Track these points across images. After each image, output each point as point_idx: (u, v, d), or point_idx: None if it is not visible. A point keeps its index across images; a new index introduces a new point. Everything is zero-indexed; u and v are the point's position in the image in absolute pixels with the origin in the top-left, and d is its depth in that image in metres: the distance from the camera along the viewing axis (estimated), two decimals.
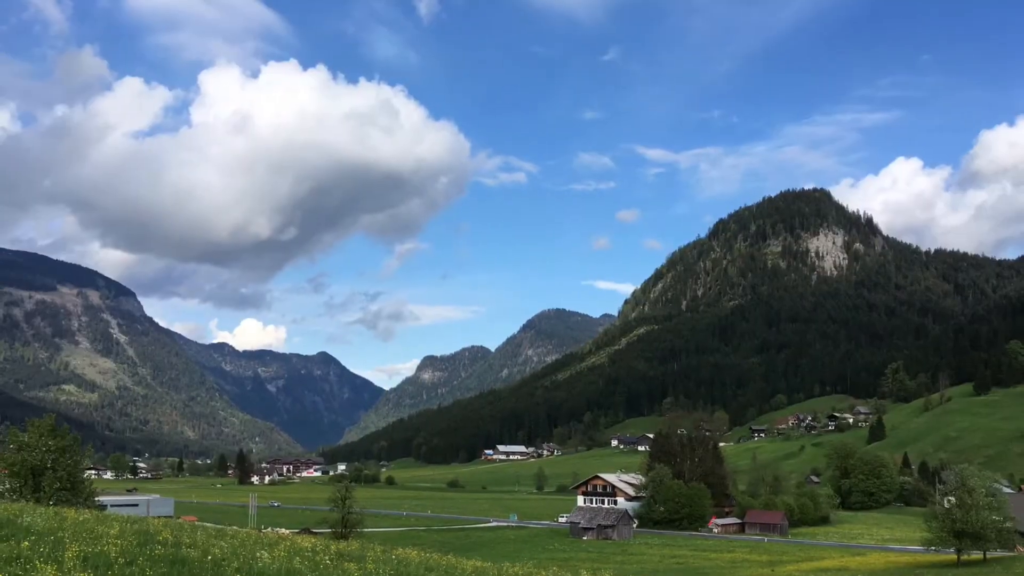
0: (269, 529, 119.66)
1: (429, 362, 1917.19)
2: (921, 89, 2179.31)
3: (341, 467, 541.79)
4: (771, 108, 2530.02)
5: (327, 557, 29.95)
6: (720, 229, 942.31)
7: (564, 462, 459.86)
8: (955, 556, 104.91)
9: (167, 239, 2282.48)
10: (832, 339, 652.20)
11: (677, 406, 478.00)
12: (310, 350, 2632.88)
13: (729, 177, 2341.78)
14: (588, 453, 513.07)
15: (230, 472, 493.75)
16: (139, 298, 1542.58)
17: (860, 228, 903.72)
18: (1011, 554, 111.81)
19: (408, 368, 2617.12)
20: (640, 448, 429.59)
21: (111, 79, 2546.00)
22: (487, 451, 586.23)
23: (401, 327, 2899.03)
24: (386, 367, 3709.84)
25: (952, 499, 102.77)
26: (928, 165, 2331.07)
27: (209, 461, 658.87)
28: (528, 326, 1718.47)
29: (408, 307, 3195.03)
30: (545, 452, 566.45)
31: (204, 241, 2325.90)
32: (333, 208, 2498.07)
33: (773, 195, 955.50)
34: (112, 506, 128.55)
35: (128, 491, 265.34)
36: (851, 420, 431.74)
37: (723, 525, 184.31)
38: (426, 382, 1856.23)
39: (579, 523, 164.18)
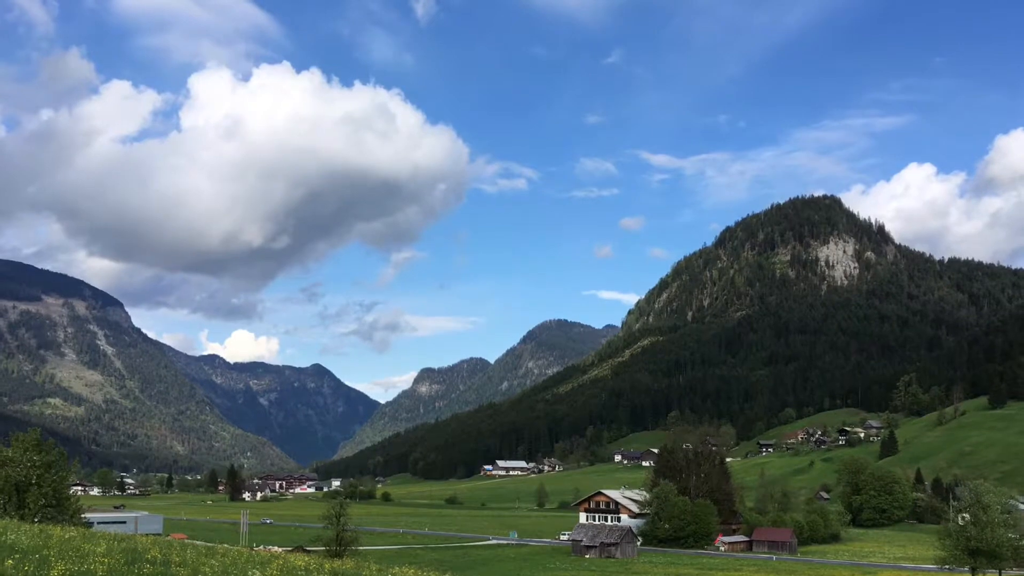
0: (261, 547, 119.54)
1: (426, 374, 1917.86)
2: (934, 93, 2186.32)
3: (335, 483, 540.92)
4: (779, 112, 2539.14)
5: None
6: (727, 237, 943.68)
7: (566, 478, 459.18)
8: (970, 575, 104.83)
9: (156, 248, 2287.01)
10: (843, 351, 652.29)
11: (682, 420, 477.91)
12: (303, 362, 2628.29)
13: (736, 184, 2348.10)
14: (591, 469, 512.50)
15: (221, 488, 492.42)
16: (127, 308, 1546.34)
17: (871, 236, 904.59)
18: None
19: (405, 381, 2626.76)
20: (644, 464, 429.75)
21: (98, 82, 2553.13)
22: (486, 467, 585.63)
23: (398, 338, 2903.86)
24: (382, 380, 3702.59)
25: (967, 516, 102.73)
26: (942, 171, 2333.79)
27: (199, 477, 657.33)
28: (529, 337, 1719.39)
29: (405, 318, 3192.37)
30: (546, 468, 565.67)
31: (194, 250, 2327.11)
32: (327, 216, 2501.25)
33: (782, 202, 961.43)
34: (99, 523, 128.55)
35: (115, 508, 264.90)
36: (862, 434, 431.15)
37: (730, 543, 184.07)
38: (423, 395, 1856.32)
39: (581, 541, 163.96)
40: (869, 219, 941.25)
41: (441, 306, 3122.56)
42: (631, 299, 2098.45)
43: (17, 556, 24.05)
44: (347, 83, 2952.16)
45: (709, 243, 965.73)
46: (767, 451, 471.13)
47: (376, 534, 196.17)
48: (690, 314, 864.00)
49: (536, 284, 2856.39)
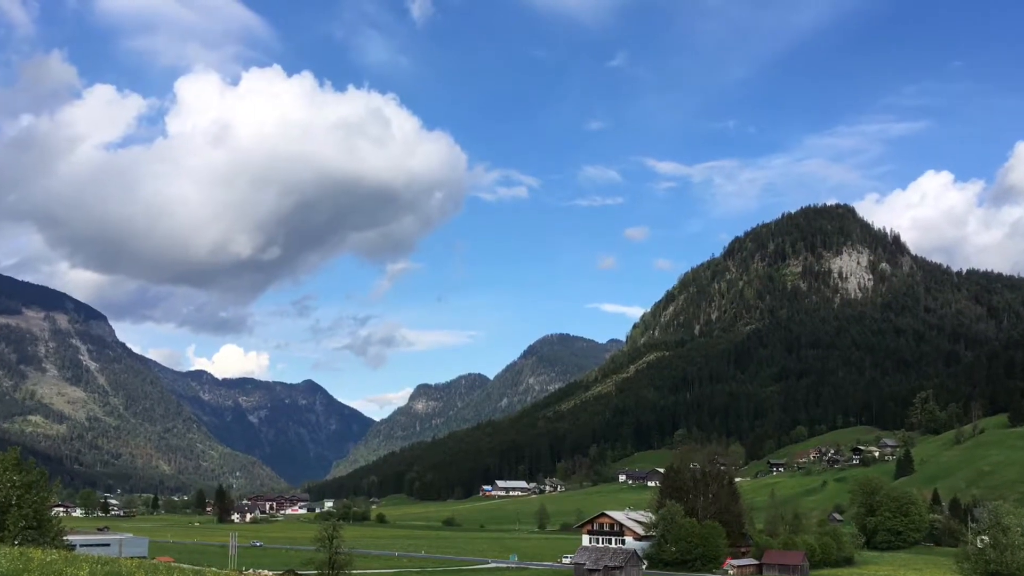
0: (251, 570, 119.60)
1: (423, 391, 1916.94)
2: (951, 97, 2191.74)
3: (328, 504, 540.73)
4: (790, 118, 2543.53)
5: None
6: (736, 248, 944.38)
7: (568, 499, 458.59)
8: None
9: (141, 259, 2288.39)
10: (856, 366, 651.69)
11: (690, 438, 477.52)
12: (295, 378, 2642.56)
13: (745, 192, 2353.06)
14: (594, 489, 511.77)
15: (209, 509, 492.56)
16: (111, 322, 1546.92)
17: (886, 247, 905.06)
18: None
19: (400, 397, 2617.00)
20: (650, 483, 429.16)
21: (81, 86, 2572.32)
22: (485, 487, 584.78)
23: (393, 353, 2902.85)
24: (376, 396, 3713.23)
25: (985, 538, 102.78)
26: (959, 179, 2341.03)
27: (186, 497, 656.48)
28: (529, 352, 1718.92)
29: (400, 332, 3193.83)
30: (547, 488, 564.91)
31: (180, 261, 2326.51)
32: (319, 225, 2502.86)
33: (793, 211, 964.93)
34: (82, 546, 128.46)
35: (99, 530, 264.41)
36: (877, 453, 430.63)
37: (739, 566, 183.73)
38: (419, 412, 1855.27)
39: (584, 564, 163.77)
40: (884, 229, 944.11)
41: (438, 320, 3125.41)
42: (636, 312, 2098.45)
43: None
44: (340, 87, 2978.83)
45: (717, 254, 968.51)
46: (778, 470, 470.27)
47: (371, 557, 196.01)
48: (697, 328, 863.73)
49: (537, 297, 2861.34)
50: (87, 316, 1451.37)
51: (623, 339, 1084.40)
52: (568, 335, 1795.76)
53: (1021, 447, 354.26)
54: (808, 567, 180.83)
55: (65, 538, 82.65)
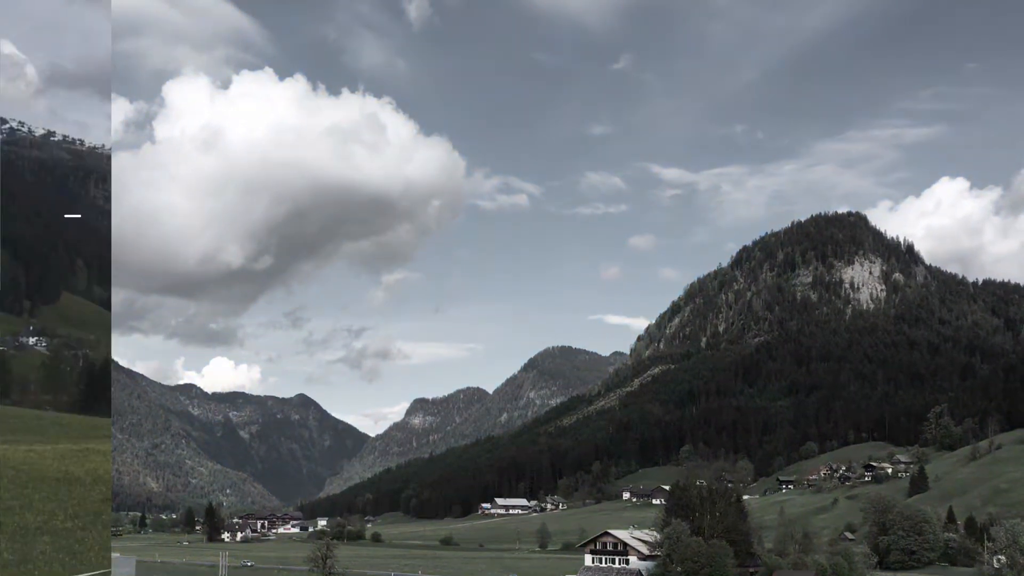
0: None
1: (420, 405, 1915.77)
2: (967, 101, 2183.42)
3: (322, 523, 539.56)
4: (800, 123, 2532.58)
5: None
6: (744, 257, 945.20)
7: (570, 517, 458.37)
8: None
9: (127, 269, 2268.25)
10: (869, 380, 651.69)
11: (696, 455, 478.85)
12: (287, 392, 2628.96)
13: (754, 200, 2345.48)
14: (597, 507, 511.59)
15: (198, 528, 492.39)
16: None
17: (900, 256, 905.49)
18: None
19: (396, 412, 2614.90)
20: (655, 501, 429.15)
21: None
22: (484, 505, 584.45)
23: (388, 366, 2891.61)
24: (372, 411, 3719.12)
25: (1002, 558, 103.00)
26: (975, 186, 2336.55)
27: (175, 516, 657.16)
28: (530, 365, 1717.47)
29: (396, 344, 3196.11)
30: (549, 506, 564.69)
31: (169, 271, 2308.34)
32: (313, 234, 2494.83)
33: (803, 219, 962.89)
34: None
35: None
36: (890, 470, 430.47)
37: None
38: (416, 428, 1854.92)
39: None
40: (897, 238, 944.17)
41: (435, 332, 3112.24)
42: (640, 324, 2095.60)
43: None
44: (334, 91, 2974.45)
45: (724, 264, 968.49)
46: (787, 488, 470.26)
47: None
48: (704, 340, 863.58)
49: (538, 308, 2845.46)
50: None
51: (627, 352, 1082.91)
52: (570, 348, 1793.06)
53: None
54: None
55: None
